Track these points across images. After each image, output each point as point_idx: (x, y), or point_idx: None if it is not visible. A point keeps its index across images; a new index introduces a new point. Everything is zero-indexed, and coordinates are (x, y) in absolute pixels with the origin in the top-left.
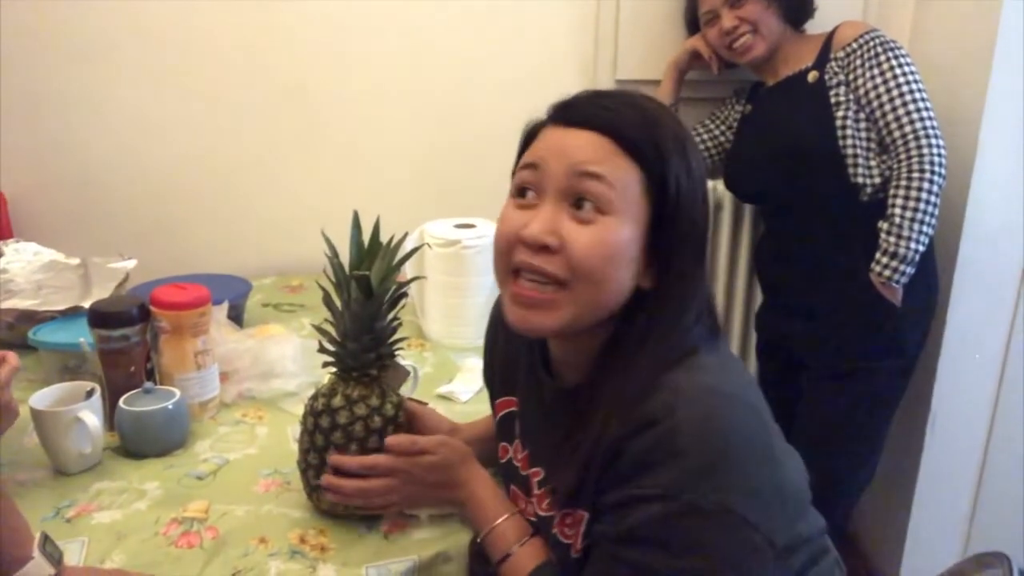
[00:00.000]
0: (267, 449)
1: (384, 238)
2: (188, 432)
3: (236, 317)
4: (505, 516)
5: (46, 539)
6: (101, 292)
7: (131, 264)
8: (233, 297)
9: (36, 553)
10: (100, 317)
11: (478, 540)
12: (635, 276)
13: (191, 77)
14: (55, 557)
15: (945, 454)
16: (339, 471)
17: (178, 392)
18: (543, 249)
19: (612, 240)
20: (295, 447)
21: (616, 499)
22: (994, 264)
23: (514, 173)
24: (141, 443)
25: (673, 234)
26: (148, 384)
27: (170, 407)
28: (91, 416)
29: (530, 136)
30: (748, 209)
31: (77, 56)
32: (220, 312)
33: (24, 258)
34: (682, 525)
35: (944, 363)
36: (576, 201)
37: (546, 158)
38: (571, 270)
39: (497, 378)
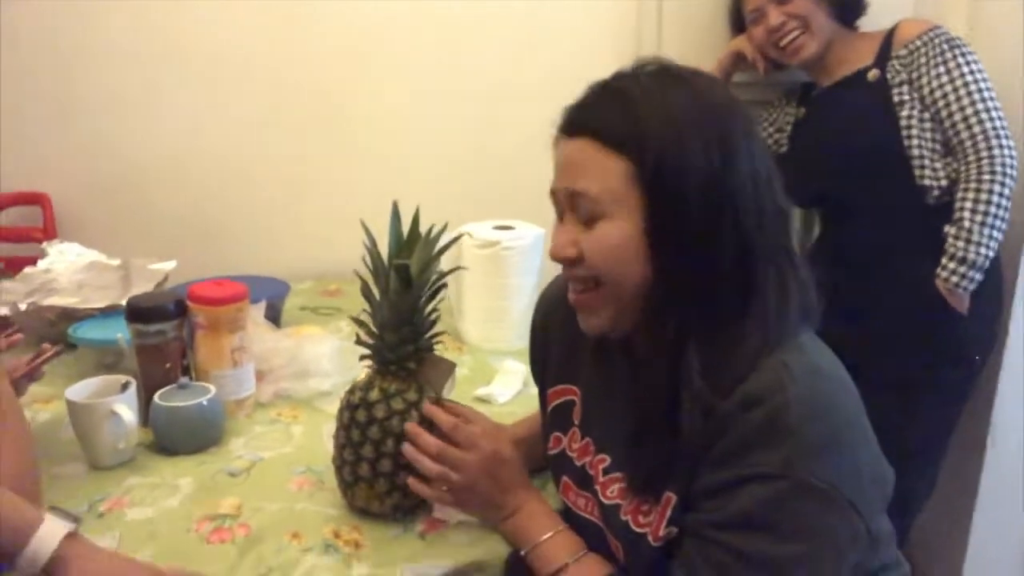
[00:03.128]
0: (302, 448)
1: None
2: (223, 429)
3: (274, 318)
4: (558, 529)
5: (54, 508)
6: (141, 291)
7: (171, 265)
8: (271, 296)
9: (47, 515)
10: (137, 312)
11: (522, 553)
12: (648, 260)
13: (229, 81)
14: (70, 517)
15: (1006, 469)
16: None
17: (213, 388)
18: (569, 261)
19: (609, 241)
20: (330, 446)
21: (718, 481)
22: None
23: None
24: (175, 439)
25: (674, 216)
26: (183, 379)
27: (205, 403)
28: (126, 409)
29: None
30: (797, 211)
31: (120, 60)
32: (258, 311)
33: (67, 259)
34: (792, 506)
35: (1006, 374)
36: (578, 211)
37: (555, 182)
38: (592, 272)
39: (552, 366)
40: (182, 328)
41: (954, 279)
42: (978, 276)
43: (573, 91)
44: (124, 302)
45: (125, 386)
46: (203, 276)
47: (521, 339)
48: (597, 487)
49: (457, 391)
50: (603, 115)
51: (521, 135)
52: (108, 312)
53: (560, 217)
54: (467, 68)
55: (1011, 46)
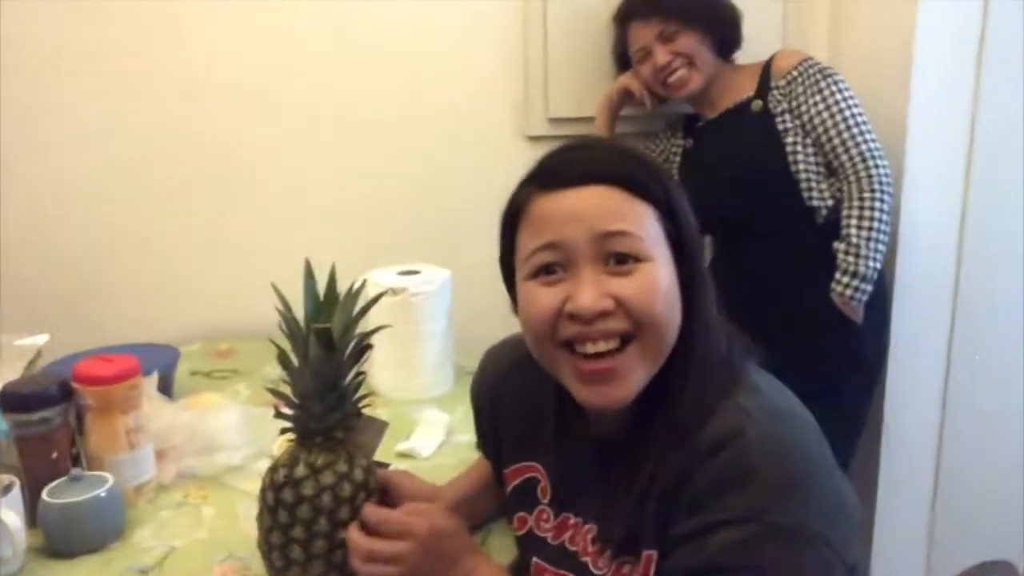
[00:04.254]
0: (217, 531)
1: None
2: (124, 521)
3: (165, 389)
4: None
5: None
6: (9, 373)
7: (42, 340)
8: (162, 366)
9: None
10: (15, 400)
11: None
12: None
13: (101, 135)
14: None
15: (900, 468)
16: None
17: (111, 477)
18: (601, 314)
19: (658, 281)
20: (249, 527)
21: (689, 529)
22: (930, 277)
23: (505, 259)
24: (71, 539)
25: (691, 261)
26: (75, 470)
27: (103, 495)
28: (10, 515)
29: (514, 213)
30: None
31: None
32: (150, 384)
33: None
34: (763, 548)
35: (893, 375)
36: (608, 258)
37: (562, 231)
38: (633, 321)
39: (507, 445)
40: (68, 413)
41: (848, 292)
42: (869, 287)
43: (467, 132)
44: None
45: (7, 488)
46: (78, 349)
47: (437, 386)
48: (587, 559)
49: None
50: (621, 165)
51: (419, 178)
52: None
53: (553, 277)
54: (359, 113)
55: (865, 73)
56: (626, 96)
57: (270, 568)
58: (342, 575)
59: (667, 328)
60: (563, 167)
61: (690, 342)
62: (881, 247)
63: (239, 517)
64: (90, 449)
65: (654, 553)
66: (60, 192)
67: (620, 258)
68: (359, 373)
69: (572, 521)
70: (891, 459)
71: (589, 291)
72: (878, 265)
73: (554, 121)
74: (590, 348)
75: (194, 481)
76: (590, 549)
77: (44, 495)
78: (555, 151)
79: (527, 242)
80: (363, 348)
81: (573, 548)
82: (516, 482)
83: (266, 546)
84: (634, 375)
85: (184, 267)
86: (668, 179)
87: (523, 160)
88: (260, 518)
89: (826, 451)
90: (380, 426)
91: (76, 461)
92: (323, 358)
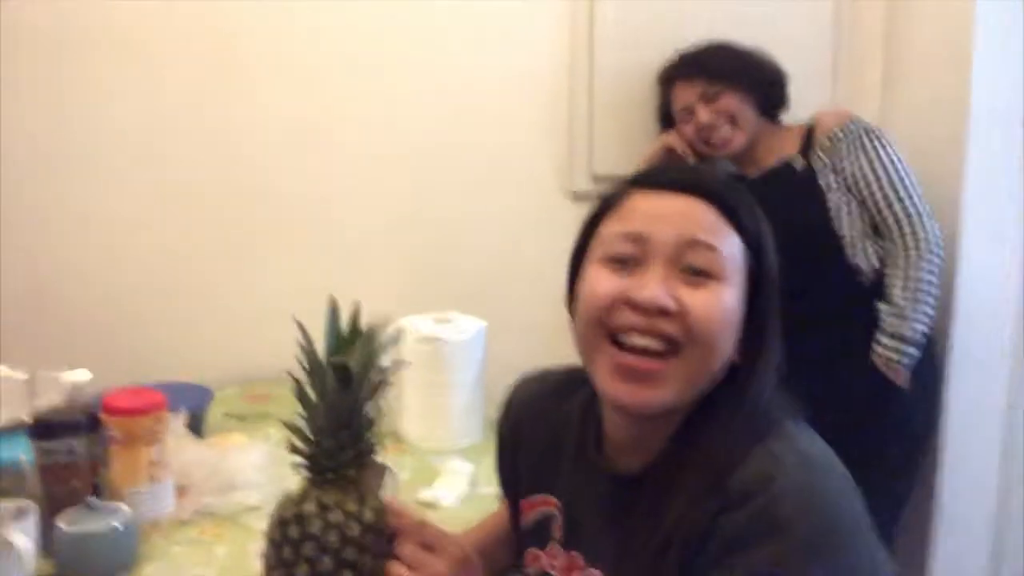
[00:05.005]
0: (226, 571)
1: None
2: (136, 555)
3: (195, 428)
4: None
5: None
6: (47, 403)
7: (83, 376)
8: (192, 405)
9: None
10: (43, 428)
11: None
12: (735, 345)
13: (143, 171)
14: None
15: (956, 547)
16: None
17: (126, 508)
18: (660, 313)
19: (726, 304)
20: (258, 567)
21: None
22: (986, 343)
23: (583, 244)
24: (81, 569)
25: (767, 303)
26: (91, 499)
27: (118, 526)
28: (22, 538)
29: (605, 203)
30: None
31: (25, 155)
32: (177, 421)
33: None
34: None
35: (949, 447)
36: (685, 268)
37: (651, 227)
38: (687, 333)
39: (525, 475)
40: (95, 444)
41: (890, 355)
42: (913, 351)
43: (509, 188)
44: (27, 417)
45: (22, 512)
46: (119, 384)
47: (464, 437)
48: None
49: (399, 495)
50: (721, 186)
51: (457, 229)
52: (8, 431)
53: (622, 265)
54: (402, 161)
55: (925, 127)
56: (667, 154)
57: None
58: None
59: (717, 350)
60: (666, 173)
61: (743, 384)
62: (928, 310)
63: (249, 557)
64: (111, 479)
65: None
66: (103, 227)
67: (697, 271)
68: (376, 411)
69: (580, 562)
70: (946, 537)
71: (658, 285)
72: (925, 328)
73: (598, 178)
74: (636, 340)
75: (211, 519)
76: None
77: (60, 523)
78: (658, 166)
79: (611, 227)
80: (379, 384)
81: None
82: (531, 516)
83: None
84: (669, 385)
85: (225, 307)
86: (763, 218)
87: (564, 217)
88: (266, 555)
89: (859, 506)
90: (379, 469)
91: (96, 491)
92: (339, 393)
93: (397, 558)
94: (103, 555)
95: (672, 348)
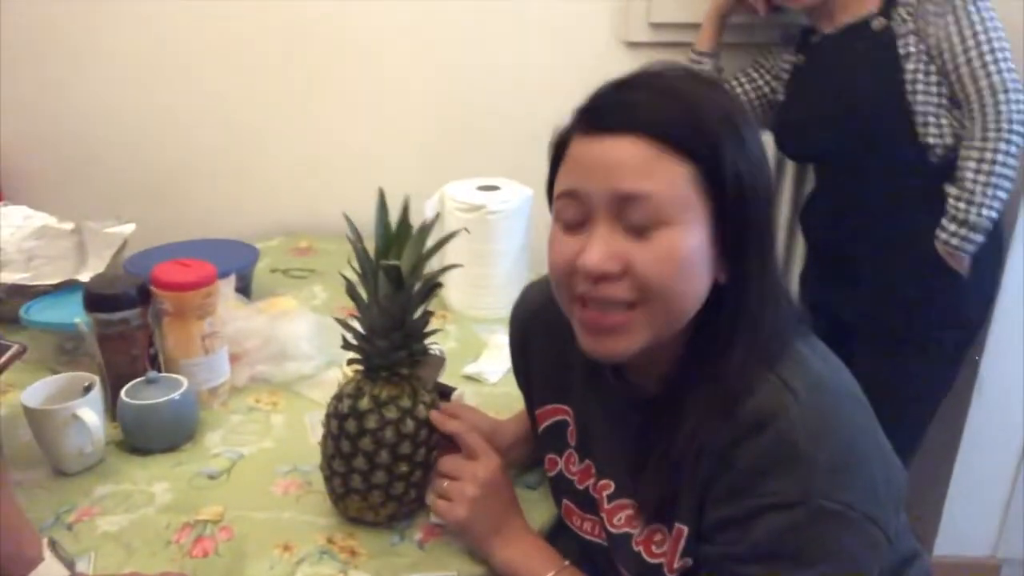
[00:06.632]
0: (284, 442)
1: (401, 201)
2: (197, 423)
3: (244, 288)
4: (554, 572)
5: (54, 543)
6: (97, 262)
7: (129, 229)
8: (240, 267)
9: (47, 554)
10: (96, 300)
11: None
12: (710, 275)
13: (194, 28)
14: (67, 560)
15: (989, 421)
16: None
17: (185, 381)
18: (604, 276)
19: (678, 252)
20: (314, 441)
21: (731, 513)
22: None
23: (550, 189)
24: (146, 438)
25: (741, 223)
26: (152, 373)
27: (177, 398)
28: (90, 414)
29: (560, 147)
30: (790, 164)
31: (81, 3)
32: (227, 286)
33: (13, 223)
34: (811, 532)
35: (995, 328)
36: (626, 224)
37: (585, 183)
38: (640, 291)
39: (537, 384)
40: (146, 315)
41: (954, 241)
42: (979, 239)
43: (560, 38)
44: (81, 276)
45: (87, 388)
46: (164, 237)
47: (509, 306)
48: (603, 514)
49: (445, 370)
50: (660, 113)
51: (506, 87)
52: (63, 288)
53: (575, 225)
54: (447, 13)
55: None
56: (737, 1)
57: (331, 492)
58: (401, 506)
59: (678, 299)
60: (604, 109)
61: (739, 304)
62: (1001, 194)
63: (306, 428)
64: (167, 351)
65: (686, 529)
66: (147, 81)
67: (637, 227)
68: (427, 312)
69: (593, 471)
70: (980, 413)
71: (597, 249)
72: (994, 215)
73: (655, 27)
74: (593, 308)
75: (266, 387)
76: (607, 505)
77: (123, 395)
78: (604, 87)
79: (560, 182)
80: (432, 287)
81: (596, 497)
82: (546, 423)
83: (328, 471)
84: (637, 332)
85: (267, 161)
86: (723, 128)
87: (619, 70)
88: (324, 443)
89: (873, 422)
90: (437, 362)
91: (154, 361)
92: (391, 296)
93: (452, 449)
94: (165, 426)
95: (633, 304)
